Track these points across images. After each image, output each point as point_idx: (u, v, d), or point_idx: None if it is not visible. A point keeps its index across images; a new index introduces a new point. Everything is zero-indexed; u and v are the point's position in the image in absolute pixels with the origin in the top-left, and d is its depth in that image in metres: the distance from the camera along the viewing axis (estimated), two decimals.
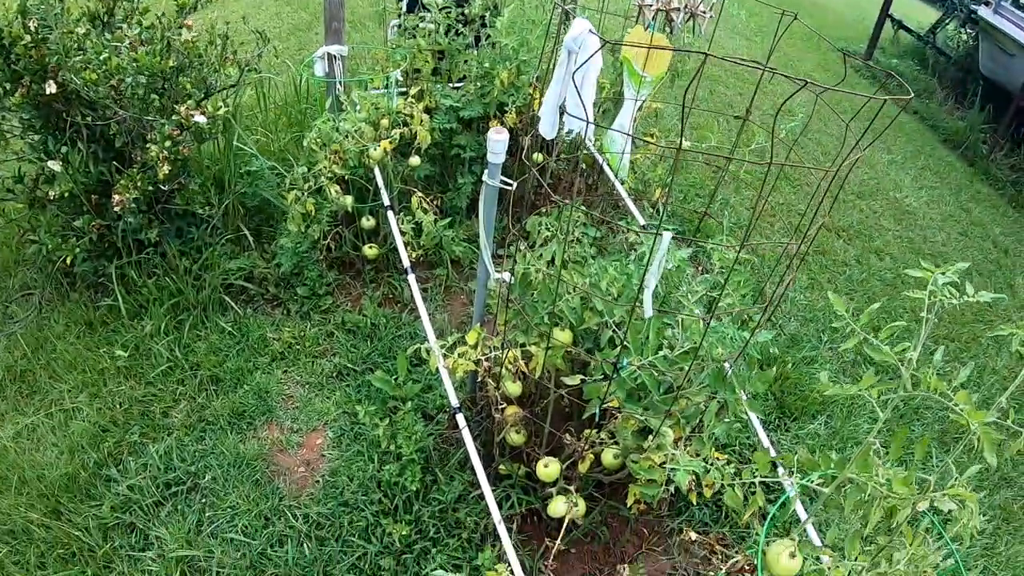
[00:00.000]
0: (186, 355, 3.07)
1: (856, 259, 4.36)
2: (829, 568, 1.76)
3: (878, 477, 1.63)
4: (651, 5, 2.55)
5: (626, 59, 2.89)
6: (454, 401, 2.45)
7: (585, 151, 3.23)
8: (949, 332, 4.19)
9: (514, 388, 2.41)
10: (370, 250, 3.26)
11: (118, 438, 2.76)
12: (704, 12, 2.65)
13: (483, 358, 2.31)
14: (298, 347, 3.13)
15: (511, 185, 2.10)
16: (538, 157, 3.49)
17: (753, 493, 1.84)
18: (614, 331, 2.24)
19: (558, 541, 2.16)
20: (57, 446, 2.73)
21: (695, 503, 2.72)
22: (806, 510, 2.10)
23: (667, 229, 1.81)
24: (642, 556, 2.67)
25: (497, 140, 1.96)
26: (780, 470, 1.97)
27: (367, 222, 3.27)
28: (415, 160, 3.19)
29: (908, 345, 1.63)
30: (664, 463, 2.15)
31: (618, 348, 2.21)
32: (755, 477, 1.75)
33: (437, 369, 2.87)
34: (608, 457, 2.30)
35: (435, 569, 2.39)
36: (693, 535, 2.00)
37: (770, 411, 3.23)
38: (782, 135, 3.61)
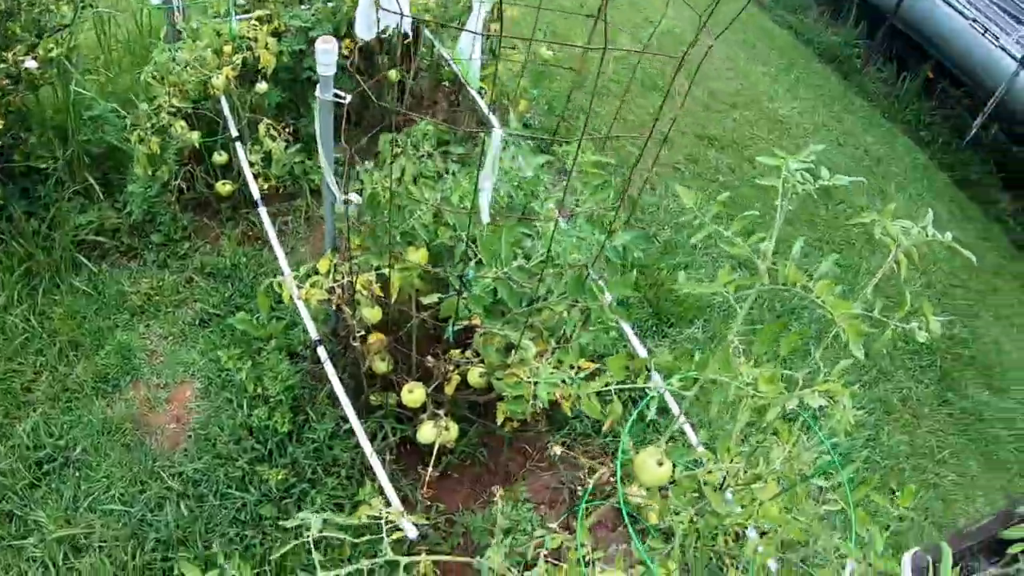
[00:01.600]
0: (42, 322, 2.78)
1: (728, 167, 4.34)
2: (705, 471, 1.68)
3: (743, 376, 1.52)
4: None
5: None
6: (314, 334, 2.28)
7: (445, 66, 3.01)
8: (811, 227, 4.24)
9: (372, 314, 2.25)
10: (224, 187, 3.00)
11: None
12: None
13: (335, 285, 2.14)
14: (157, 298, 2.88)
15: (344, 99, 1.89)
16: (393, 75, 3.25)
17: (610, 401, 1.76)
18: (468, 245, 2.09)
19: (430, 468, 2.05)
20: None
21: (570, 416, 2.68)
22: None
23: (501, 130, 1.65)
24: (526, 474, 2.62)
25: (325, 50, 1.73)
26: (654, 376, 1.87)
27: (219, 157, 2.99)
28: (262, 86, 2.91)
29: (764, 236, 1.52)
30: (530, 378, 2.05)
31: (471, 262, 2.08)
32: (611, 385, 1.64)
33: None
34: (474, 376, 2.19)
35: (314, 509, 2.26)
36: (558, 449, 1.91)
37: (645, 318, 3.19)
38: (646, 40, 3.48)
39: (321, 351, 2.26)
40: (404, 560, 1.63)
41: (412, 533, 1.84)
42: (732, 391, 1.53)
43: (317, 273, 2.22)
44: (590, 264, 2.06)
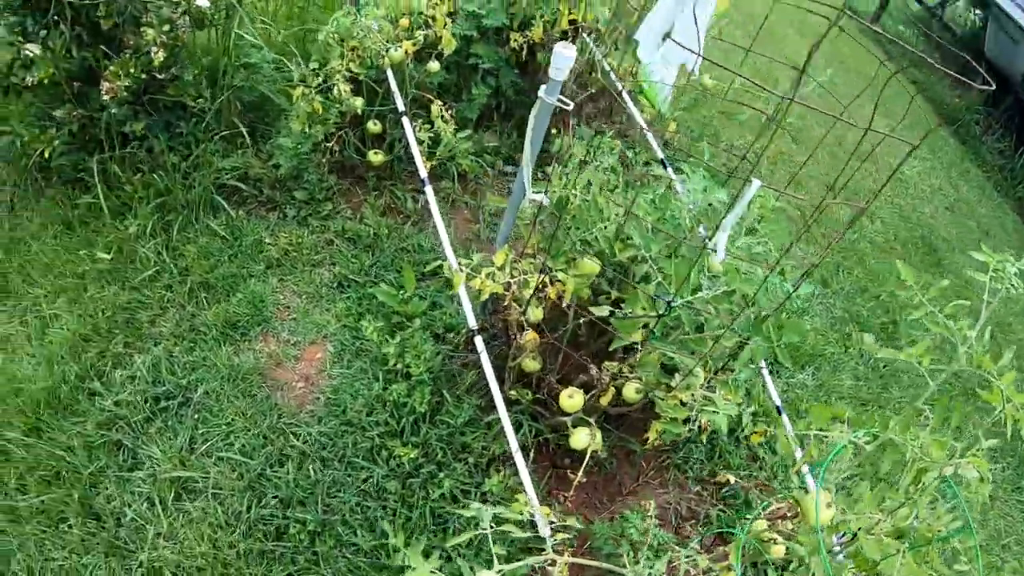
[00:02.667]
0: (174, 259, 2.88)
1: (848, 219, 4.40)
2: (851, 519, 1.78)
3: (920, 440, 1.65)
4: None
5: None
6: (472, 323, 2.35)
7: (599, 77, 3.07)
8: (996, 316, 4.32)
9: (536, 313, 2.33)
10: (375, 156, 3.08)
11: (101, 348, 2.59)
12: None
13: (512, 281, 2.21)
14: (295, 254, 2.97)
15: (568, 105, 1.96)
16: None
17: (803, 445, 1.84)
18: (651, 265, 2.16)
19: (579, 474, 2.12)
20: (34, 357, 2.54)
21: (695, 441, 2.76)
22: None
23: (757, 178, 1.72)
24: (638, 488, 2.68)
25: (565, 56, 1.81)
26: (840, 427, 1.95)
27: (373, 127, 3.08)
28: (434, 66, 2.99)
29: (966, 323, 1.69)
30: (687, 403, 2.13)
31: (654, 283, 2.15)
32: (810, 430, 1.73)
33: (445, 286, 2.78)
34: (630, 391, 2.26)
35: (442, 493, 2.34)
36: (731, 478, 1.99)
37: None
38: (809, 87, 3.54)
39: (479, 342, 2.34)
40: (562, 560, 1.72)
41: (547, 533, 1.93)
42: (908, 452, 1.66)
43: (489, 264, 2.30)
44: (774, 311, 2.13)
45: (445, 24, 2.89)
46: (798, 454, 2.15)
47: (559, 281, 2.29)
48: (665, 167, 3.12)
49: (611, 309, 2.25)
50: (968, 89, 6.41)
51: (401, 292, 2.65)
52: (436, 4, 2.92)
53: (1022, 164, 5.95)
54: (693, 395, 2.15)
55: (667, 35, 1.83)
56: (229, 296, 2.81)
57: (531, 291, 2.25)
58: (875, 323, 3.92)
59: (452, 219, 3.27)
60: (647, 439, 2.27)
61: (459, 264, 2.30)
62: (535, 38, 3.09)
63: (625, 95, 3.21)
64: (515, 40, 3.09)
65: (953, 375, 3.00)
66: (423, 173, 2.64)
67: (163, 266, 2.84)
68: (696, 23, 1.64)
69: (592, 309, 2.27)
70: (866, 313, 3.93)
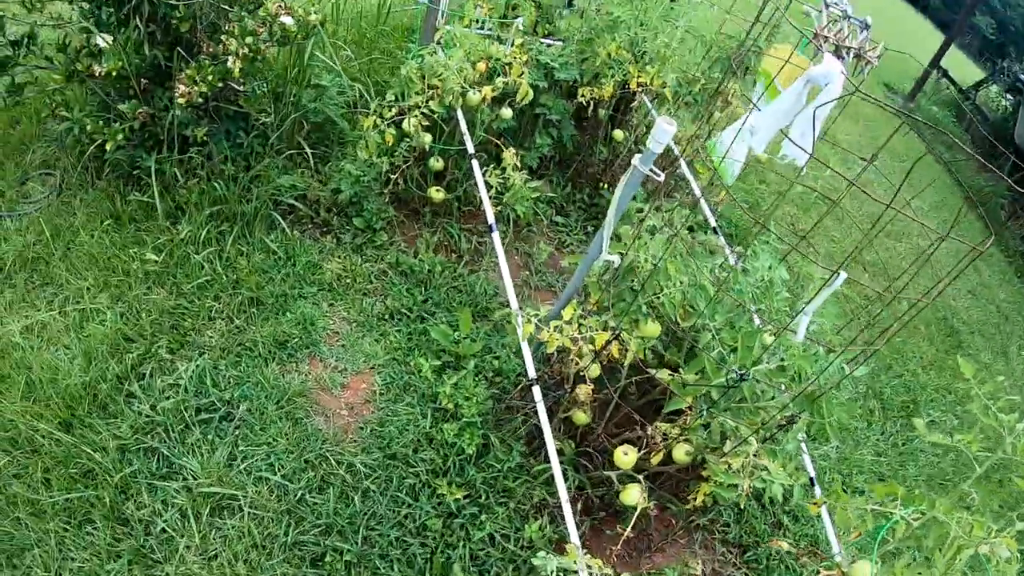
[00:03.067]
0: (226, 270, 2.93)
1: (877, 294, 4.50)
2: None
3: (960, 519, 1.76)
4: (828, 39, 2.53)
5: (765, 72, 2.88)
6: (532, 372, 2.42)
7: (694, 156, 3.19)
8: None
9: (595, 370, 2.40)
10: (436, 193, 3.16)
11: (143, 351, 2.60)
12: (871, 56, 2.64)
13: (579, 336, 2.29)
14: (348, 280, 3.03)
15: (659, 175, 2.06)
16: (619, 135, 3.44)
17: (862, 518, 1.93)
18: (714, 335, 2.24)
19: (628, 529, 2.18)
20: (71, 349, 2.55)
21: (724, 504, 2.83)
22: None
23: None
24: (669, 546, 2.73)
25: (666, 130, 1.91)
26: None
27: (436, 163, 3.17)
28: (507, 112, 3.09)
29: (1015, 417, 1.83)
30: (736, 469, 2.21)
31: (714, 351, 2.23)
32: (869, 504, 1.81)
33: (496, 331, 2.85)
34: (680, 453, 2.32)
35: (483, 535, 2.38)
36: (785, 545, 2.06)
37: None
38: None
39: (537, 392, 2.40)
40: None
41: None
42: (952, 530, 1.78)
43: (557, 317, 2.38)
44: (830, 388, 2.21)
45: (522, 73, 3.00)
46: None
47: (622, 340, 2.37)
48: (717, 234, 3.22)
49: (671, 373, 2.33)
50: (995, 173, 6.62)
51: (455, 333, 2.72)
52: (516, 54, 3.03)
53: None
54: (744, 462, 2.23)
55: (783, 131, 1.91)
56: (279, 315, 2.86)
57: (595, 347, 2.32)
58: (897, 401, 4.01)
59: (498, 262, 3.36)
60: (688, 498, 2.35)
61: (525, 314, 2.37)
62: (604, 96, 3.20)
63: (683, 163, 3.32)
64: (583, 94, 3.21)
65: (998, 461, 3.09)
66: (491, 217, 2.72)
67: (214, 275, 2.88)
68: (814, 122, 1.74)
69: (656, 372, 2.35)
70: (889, 391, 4.02)
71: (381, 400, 2.70)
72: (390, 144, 2.98)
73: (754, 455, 2.26)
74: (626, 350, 2.36)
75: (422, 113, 2.89)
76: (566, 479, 2.53)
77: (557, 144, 3.50)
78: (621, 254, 2.31)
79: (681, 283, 2.36)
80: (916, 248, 5.17)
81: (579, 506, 2.50)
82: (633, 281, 2.38)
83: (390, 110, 2.95)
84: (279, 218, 3.10)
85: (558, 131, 3.43)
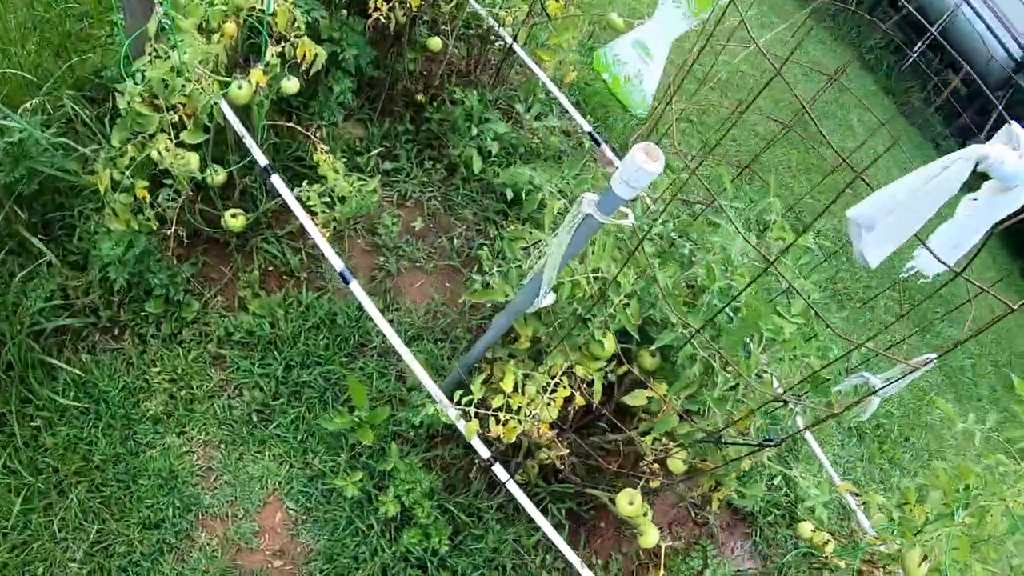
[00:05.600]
0: (33, 470, 2.16)
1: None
2: None
3: None
4: None
5: None
6: (485, 453, 2.06)
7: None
8: None
9: (551, 413, 2.08)
10: (234, 220, 2.41)
11: None
12: None
13: (532, 411, 1.93)
14: (183, 392, 2.38)
15: (630, 221, 1.57)
16: (435, 43, 2.74)
17: None
18: (693, 342, 1.96)
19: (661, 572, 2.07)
20: None
21: None
22: None
23: None
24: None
25: (647, 171, 1.37)
26: None
27: (215, 176, 2.37)
28: (291, 85, 2.32)
29: None
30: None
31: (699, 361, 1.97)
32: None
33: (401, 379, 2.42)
34: (676, 464, 2.17)
35: None
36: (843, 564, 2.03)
37: None
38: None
39: (500, 471, 2.06)
40: None
41: None
42: None
43: (491, 388, 1.98)
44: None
45: (294, 21, 2.17)
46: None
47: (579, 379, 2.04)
48: (598, 143, 2.78)
49: (648, 397, 2.07)
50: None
51: (353, 413, 2.24)
52: None
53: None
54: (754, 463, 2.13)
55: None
56: (130, 488, 2.21)
57: (557, 405, 1.98)
58: None
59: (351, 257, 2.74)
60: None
61: (459, 409, 1.96)
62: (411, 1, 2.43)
63: (520, 51, 2.73)
64: (376, 6, 2.43)
65: None
66: (337, 264, 2.10)
67: (27, 487, 2.12)
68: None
69: (627, 400, 2.07)
70: None
71: (310, 528, 2.28)
72: (146, 197, 2.16)
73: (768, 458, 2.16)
74: (590, 387, 2.05)
75: (176, 157, 2.07)
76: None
77: (359, 79, 2.73)
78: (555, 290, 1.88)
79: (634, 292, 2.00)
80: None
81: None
82: (575, 306, 1.98)
83: (123, 157, 2.09)
84: (53, 359, 2.27)
85: (357, 62, 2.65)
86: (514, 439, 1.93)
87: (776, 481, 2.35)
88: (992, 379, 4.76)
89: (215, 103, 2.09)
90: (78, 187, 2.43)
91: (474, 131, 2.80)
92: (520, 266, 2.10)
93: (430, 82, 2.99)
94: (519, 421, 1.92)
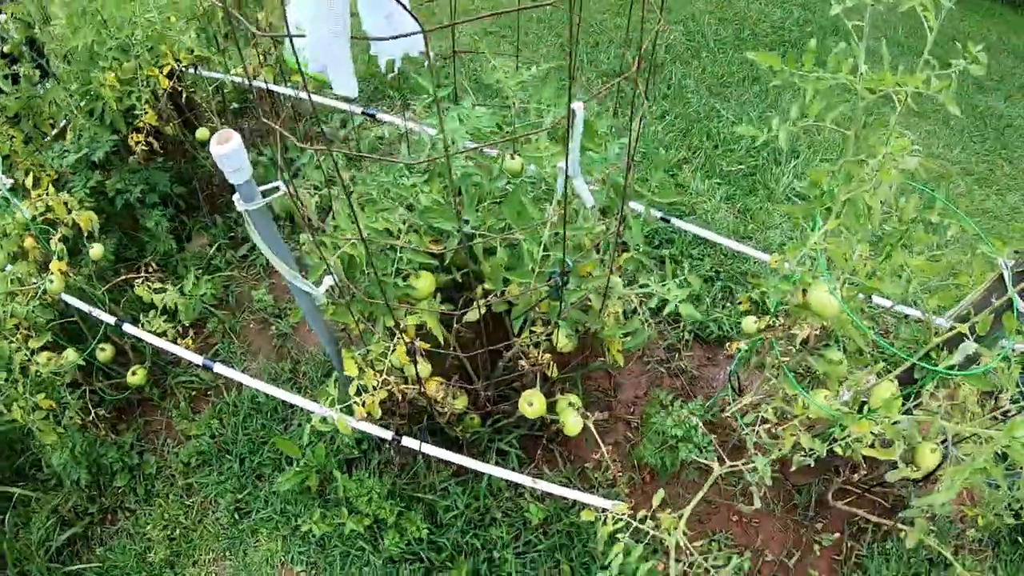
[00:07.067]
0: None
1: None
2: None
3: None
4: None
5: None
6: (388, 434, 2.25)
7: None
8: None
9: (423, 368, 2.23)
10: (134, 376, 2.79)
11: None
12: None
13: (388, 379, 2.09)
14: (178, 530, 2.72)
15: (282, 192, 1.76)
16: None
17: None
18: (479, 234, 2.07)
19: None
20: None
21: None
22: None
23: None
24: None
25: (224, 154, 1.55)
26: None
27: (103, 353, 2.76)
28: (97, 249, 2.66)
29: None
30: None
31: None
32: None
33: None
34: (562, 339, 2.24)
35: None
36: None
37: None
38: None
39: (410, 442, 2.24)
40: None
41: None
42: None
43: (346, 380, 2.16)
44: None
45: (66, 204, 2.53)
46: None
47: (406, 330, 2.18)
48: (373, 117, 2.95)
49: (484, 305, 2.18)
50: None
51: (295, 467, 2.51)
52: (39, 197, 2.52)
53: None
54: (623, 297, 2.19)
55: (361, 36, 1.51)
56: None
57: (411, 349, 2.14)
58: None
59: (259, 347, 3.03)
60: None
61: (330, 407, 2.15)
62: (150, 122, 2.74)
63: (272, 86, 2.95)
64: (136, 140, 2.75)
65: None
66: (197, 360, 2.38)
67: None
68: None
69: (467, 315, 2.19)
70: None
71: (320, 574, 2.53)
72: (52, 407, 2.55)
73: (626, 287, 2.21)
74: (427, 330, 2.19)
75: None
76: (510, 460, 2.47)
77: (175, 201, 3.08)
78: (325, 273, 2.06)
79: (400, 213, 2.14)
80: None
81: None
82: (360, 271, 2.14)
83: (15, 387, 2.49)
84: (72, 565, 2.68)
85: (157, 192, 2.98)
86: (379, 412, 2.09)
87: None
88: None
89: (33, 308, 2.46)
90: (23, 427, 2.86)
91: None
92: None
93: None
94: (374, 394, 2.08)
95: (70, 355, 2.62)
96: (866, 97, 1.70)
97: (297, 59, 1.24)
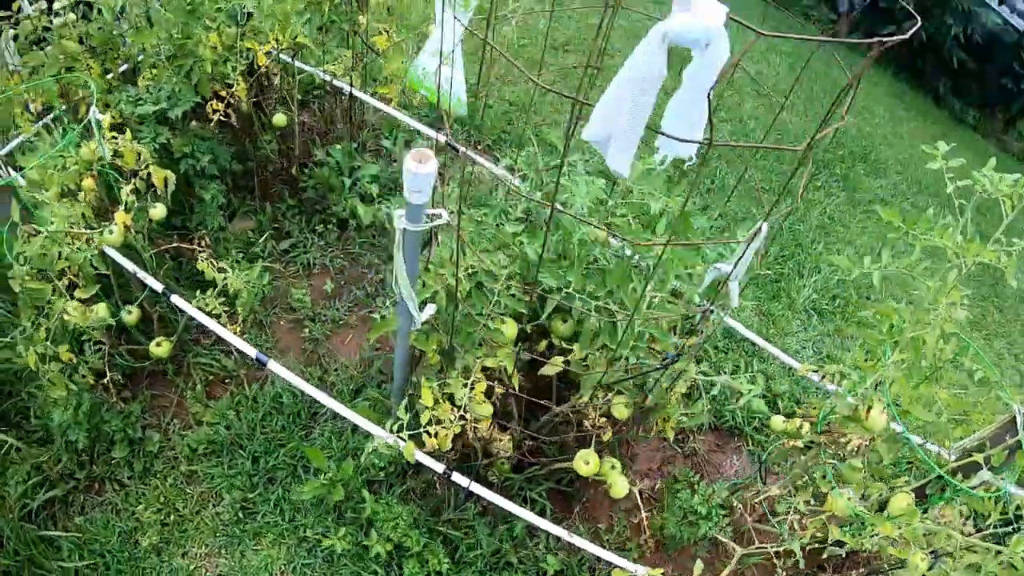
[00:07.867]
0: None
1: None
2: None
3: None
4: None
5: None
6: (439, 468, 2.29)
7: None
8: None
9: (485, 409, 2.30)
10: (159, 348, 2.71)
11: None
12: None
13: (460, 414, 2.15)
14: (172, 516, 2.64)
15: (444, 219, 1.81)
16: (280, 119, 3.02)
17: None
18: (580, 297, 2.17)
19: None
20: None
21: None
22: None
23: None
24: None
25: (421, 174, 1.60)
26: None
27: (128, 316, 2.67)
28: (159, 212, 2.60)
29: None
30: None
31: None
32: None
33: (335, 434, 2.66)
34: (620, 410, 2.36)
35: None
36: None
37: None
38: None
39: (459, 479, 2.29)
40: None
41: None
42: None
43: (419, 407, 2.20)
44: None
45: (140, 156, 2.47)
46: None
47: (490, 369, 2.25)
48: (456, 151, 3.02)
49: (564, 361, 2.27)
50: None
51: (320, 477, 2.50)
52: (115, 139, 2.45)
53: None
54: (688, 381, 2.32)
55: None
56: None
57: (479, 400, 2.20)
58: None
59: (289, 349, 3.01)
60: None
61: (393, 433, 2.19)
62: (240, 94, 2.71)
63: (360, 95, 2.99)
64: (214, 108, 2.72)
65: None
66: (251, 352, 2.37)
67: None
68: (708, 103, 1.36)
69: (544, 371, 2.28)
70: None
71: None
72: (72, 359, 2.45)
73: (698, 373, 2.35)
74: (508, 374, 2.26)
75: (80, 314, 2.36)
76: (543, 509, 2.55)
77: (231, 178, 3.03)
78: (428, 301, 2.11)
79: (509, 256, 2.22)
80: None
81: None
82: (460, 309, 2.21)
83: (39, 331, 2.38)
84: (48, 530, 2.55)
85: (218, 165, 2.94)
86: (450, 446, 2.14)
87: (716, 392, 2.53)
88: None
89: (90, 256, 2.38)
90: (19, 371, 2.73)
91: (348, 182, 3.07)
92: None
93: (295, 153, 3.26)
94: (449, 427, 2.13)
95: (100, 310, 2.54)
96: (967, 264, 1.97)
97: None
